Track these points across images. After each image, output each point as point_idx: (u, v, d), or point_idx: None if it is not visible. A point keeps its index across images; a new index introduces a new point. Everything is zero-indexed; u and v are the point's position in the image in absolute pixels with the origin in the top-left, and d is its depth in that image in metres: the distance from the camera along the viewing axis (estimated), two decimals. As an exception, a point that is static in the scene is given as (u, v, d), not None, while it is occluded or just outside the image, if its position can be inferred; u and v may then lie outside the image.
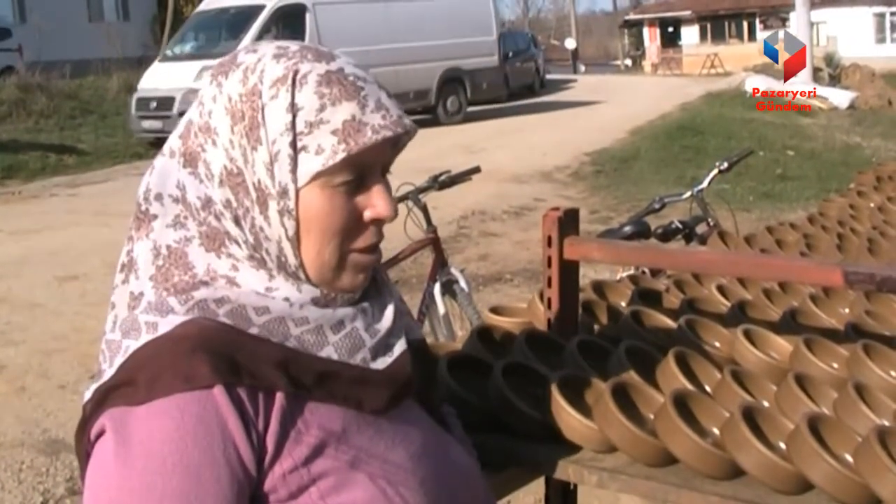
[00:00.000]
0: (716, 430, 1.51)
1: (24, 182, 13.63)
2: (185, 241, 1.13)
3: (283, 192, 1.10)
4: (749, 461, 1.40)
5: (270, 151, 1.10)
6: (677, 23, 46.88)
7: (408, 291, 6.39)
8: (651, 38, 48.35)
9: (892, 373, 1.69)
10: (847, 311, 2.12)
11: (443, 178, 4.92)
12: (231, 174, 1.11)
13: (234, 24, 17.59)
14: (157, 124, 16.19)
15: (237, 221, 1.12)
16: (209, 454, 1.02)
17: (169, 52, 18.38)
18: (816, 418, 1.46)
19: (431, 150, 12.43)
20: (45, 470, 4.36)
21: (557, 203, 2.05)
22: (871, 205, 3.29)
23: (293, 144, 1.09)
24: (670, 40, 47.18)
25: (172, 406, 1.02)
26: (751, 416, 1.47)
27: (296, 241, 1.12)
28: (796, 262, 1.99)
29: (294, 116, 1.09)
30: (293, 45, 1.15)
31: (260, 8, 17.24)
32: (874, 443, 1.36)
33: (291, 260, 1.13)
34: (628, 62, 50.37)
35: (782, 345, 1.84)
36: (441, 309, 4.95)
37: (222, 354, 1.04)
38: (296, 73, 1.11)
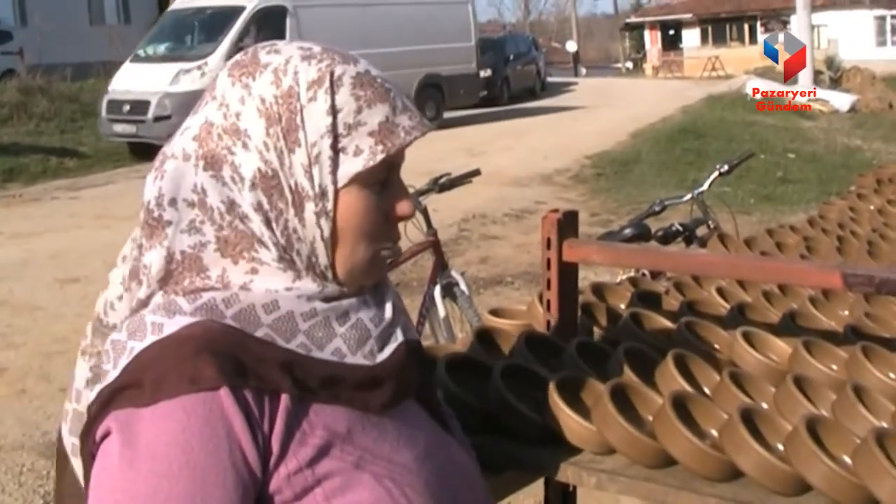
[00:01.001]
0: (714, 432, 1.51)
1: (25, 185, 13.65)
2: (199, 246, 1.12)
3: (322, 194, 1.11)
4: (747, 463, 1.40)
5: (310, 154, 1.11)
6: (678, 25, 46.90)
7: (408, 294, 6.39)
8: (652, 41, 48.40)
9: (891, 375, 1.69)
10: (847, 313, 2.12)
11: (443, 180, 4.92)
12: (265, 177, 1.11)
13: (211, 25, 16.97)
14: (130, 128, 15.64)
15: (269, 224, 1.12)
16: (215, 457, 1.02)
17: (141, 53, 17.38)
18: (815, 420, 1.46)
19: (432, 152, 12.43)
20: (46, 473, 4.36)
21: (558, 206, 2.06)
22: (871, 207, 3.29)
23: (334, 146, 1.11)
24: (671, 43, 47.21)
25: (178, 408, 1.02)
26: (749, 418, 1.47)
27: (330, 241, 1.13)
28: (796, 264, 2.00)
29: (334, 118, 1.11)
30: (314, 46, 1.16)
31: (240, 9, 16.63)
32: (872, 444, 1.36)
33: (323, 260, 1.14)
34: (629, 65, 50.39)
35: (781, 347, 1.84)
36: (441, 311, 4.95)
37: (228, 356, 1.05)
38: (331, 74, 1.12)
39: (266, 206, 1.12)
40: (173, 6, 18.41)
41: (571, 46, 48.00)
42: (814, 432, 1.42)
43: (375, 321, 1.18)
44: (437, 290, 4.97)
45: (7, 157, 14.59)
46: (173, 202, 1.12)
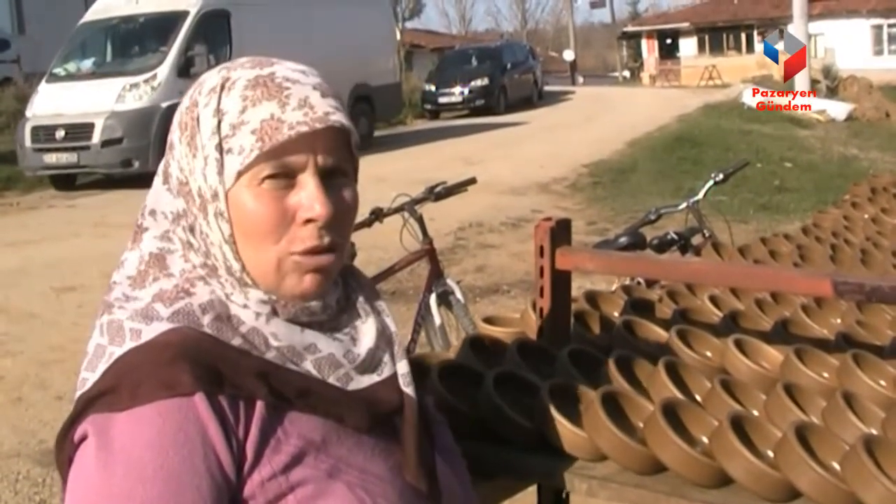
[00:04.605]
0: (705, 439, 1.52)
1: (23, 193, 13.68)
2: (167, 251, 1.18)
3: (215, 195, 1.14)
4: (737, 469, 1.41)
5: (204, 156, 1.14)
6: (675, 34, 47.00)
7: (404, 302, 6.40)
8: (649, 50, 48.49)
9: (882, 382, 1.70)
10: (839, 321, 2.13)
11: (439, 189, 4.92)
12: (182, 184, 1.17)
13: (148, 34, 15.20)
14: (68, 157, 13.71)
15: (192, 230, 1.17)
16: (189, 461, 1.04)
17: (59, 71, 15.12)
18: (804, 427, 1.47)
19: (430, 161, 12.48)
20: (42, 480, 4.36)
21: (554, 214, 2.06)
22: (865, 216, 3.30)
23: (219, 147, 1.13)
24: (668, 52, 47.32)
25: (153, 413, 1.04)
26: (739, 425, 1.48)
27: (233, 243, 1.14)
28: (786, 272, 2.01)
29: (219, 121, 1.14)
30: (246, 59, 1.20)
31: (183, 14, 14.79)
32: (861, 451, 1.37)
33: (234, 264, 1.15)
34: (626, 74, 50.53)
35: (773, 355, 1.85)
36: (437, 320, 4.96)
37: (204, 363, 1.07)
38: (226, 80, 1.16)
39: (186, 213, 1.17)
40: (88, 17, 16.20)
41: (569, 55, 48.18)
42: (803, 439, 1.43)
43: (350, 358, 1.18)
44: (433, 299, 4.97)
45: (4, 166, 14.61)
46: (153, 213, 1.20)
